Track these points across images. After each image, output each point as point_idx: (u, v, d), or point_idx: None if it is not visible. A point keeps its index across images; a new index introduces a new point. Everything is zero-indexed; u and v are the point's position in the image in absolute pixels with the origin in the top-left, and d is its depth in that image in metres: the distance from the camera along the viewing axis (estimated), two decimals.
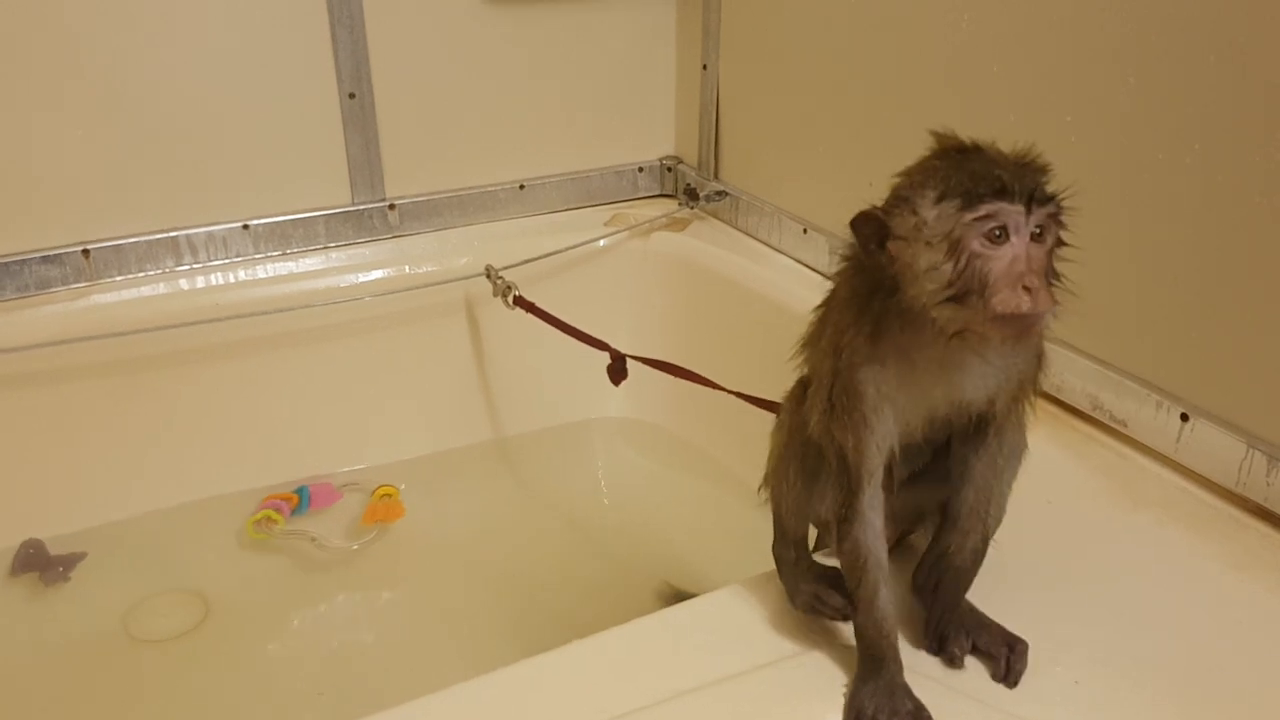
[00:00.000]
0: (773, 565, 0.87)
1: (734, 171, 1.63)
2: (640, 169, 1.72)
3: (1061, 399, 1.10)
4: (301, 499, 1.46)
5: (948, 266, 0.66)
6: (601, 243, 1.61)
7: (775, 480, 0.84)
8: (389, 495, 1.48)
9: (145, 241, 1.41)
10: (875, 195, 1.31)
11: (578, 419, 1.66)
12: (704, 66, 1.60)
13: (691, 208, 1.67)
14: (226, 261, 1.45)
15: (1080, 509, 0.97)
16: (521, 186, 1.63)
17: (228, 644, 1.29)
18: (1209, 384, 0.97)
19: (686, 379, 1.19)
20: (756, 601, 0.85)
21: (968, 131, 1.06)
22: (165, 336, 1.38)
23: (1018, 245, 0.66)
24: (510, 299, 1.41)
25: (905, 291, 0.69)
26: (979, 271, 0.66)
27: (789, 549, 0.85)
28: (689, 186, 1.68)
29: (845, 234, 1.39)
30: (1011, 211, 0.66)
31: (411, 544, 1.46)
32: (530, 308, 1.39)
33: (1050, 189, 0.68)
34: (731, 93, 1.59)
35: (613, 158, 1.70)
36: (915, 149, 1.22)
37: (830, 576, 0.82)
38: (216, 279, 1.44)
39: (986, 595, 0.82)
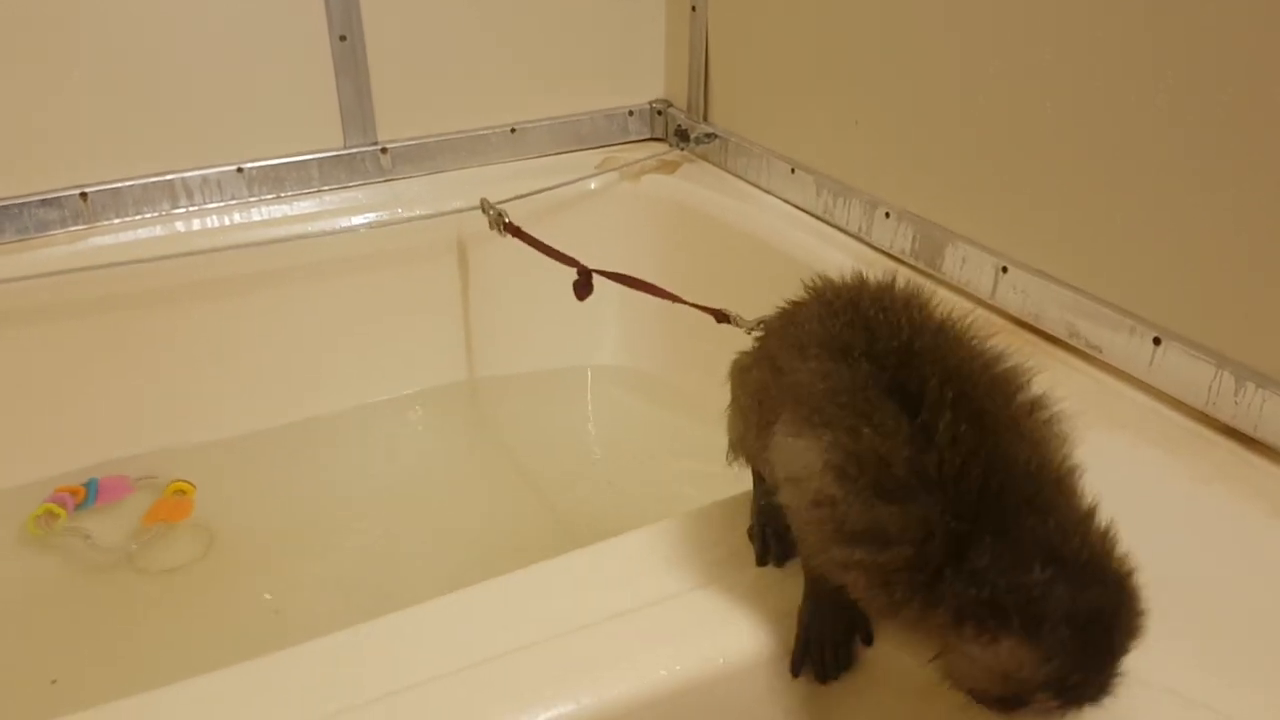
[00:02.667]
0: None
1: (723, 113, 1.65)
2: (631, 112, 1.73)
3: (1040, 327, 1.13)
4: (89, 492, 1.42)
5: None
6: (592, 184, 1.62)
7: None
8: (182, 492, 1.43)
9: (141, 185, 1.43)
10: (862, 134, 1.35)
11: (570, 365, 1.69)
12: (693, 8, 1.61)
13: (682, 149, 1.69)
14: (222, 204, 1.47)
15: None
16: (513, 130, 1.64)
17: None
18: (1179, 308, 1.00)
19: (647, 291, 1.22)
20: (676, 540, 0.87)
21: (974, 65, 1.09)
22: (160, 278, 1.40)
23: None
24: (503, 226, 1.43)
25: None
26: None
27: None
28: (679, 128, 1.69)
29: (833, 172, 1.43)
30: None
31: (394, 482, 1.49)
32: (519, 233, 1.41)
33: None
34: (720, 35, 1.60)
35: (603, 101, 1.71)
36: (901, 87, 1.25)
37: None
38: (212, 221, 1.46)
39: None
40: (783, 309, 0.82)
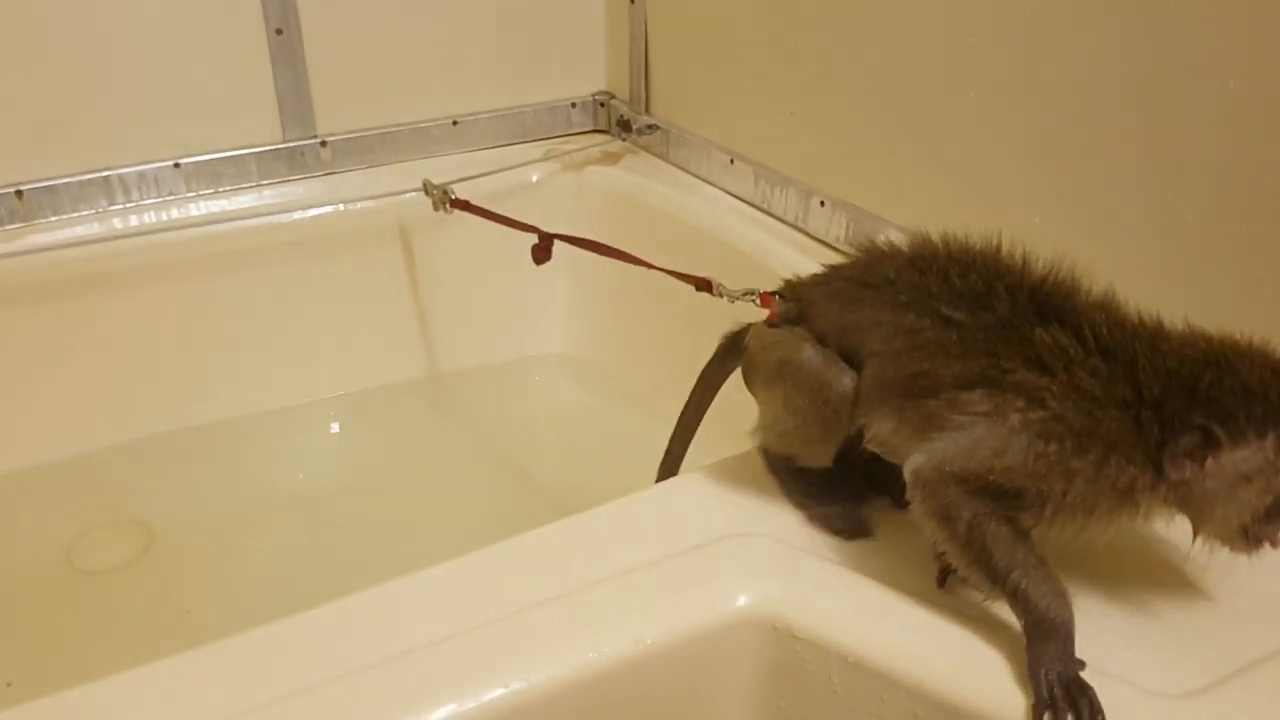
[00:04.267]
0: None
1: (664, 105, 1.66)
2: (573, 104, 1.74)
3: None
4: None
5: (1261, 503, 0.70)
6: (534, 176, 1.63)
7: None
8: None
9: (78, 181, 1.42)
10: (797, 124, 1.36)
11: (517, 355, 1.70)
12: (631, 0, 1.62)
13: (624, 140, 1.70)
14: (159, 200, 1.46)
15: None
16: (455, 123, 1.64)
17: None
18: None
19: (616, 257, 1.20)
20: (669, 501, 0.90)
21: (903, 56, 1.11)
22: (100, 273, 1.39)
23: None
24: (448, 204, 1.43)
25: (1195, 512, 0.72)
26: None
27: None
28: (621, 120, 1.70)
29: (770, 162, 1.44)
30: None
31: (341, 479, 1.49)
32: (467, 206, 1.41)
33: None
34: (659, 26, 1.61)
35: (546, 93, 1.71)
36: (834, 79, 1.27)
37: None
38: (149, 218, 1.45)
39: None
40: (829, 273, 0.87)
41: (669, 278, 1.09)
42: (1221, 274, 0.93)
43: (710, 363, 1.00)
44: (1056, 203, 1.05)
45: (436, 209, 1.45)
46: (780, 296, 0.90)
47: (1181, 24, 0.91)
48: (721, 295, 1.02)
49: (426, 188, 1.46)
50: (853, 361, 0.81)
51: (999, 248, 0.78)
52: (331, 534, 1.40)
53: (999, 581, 0.71)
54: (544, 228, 1.30)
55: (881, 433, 0.79)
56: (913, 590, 0.79)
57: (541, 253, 1.30)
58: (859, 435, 0.81)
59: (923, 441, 0.75)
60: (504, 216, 1.36)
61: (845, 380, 0.81)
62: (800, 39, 1.34)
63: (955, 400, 0.74)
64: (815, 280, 0.88)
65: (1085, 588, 0.80)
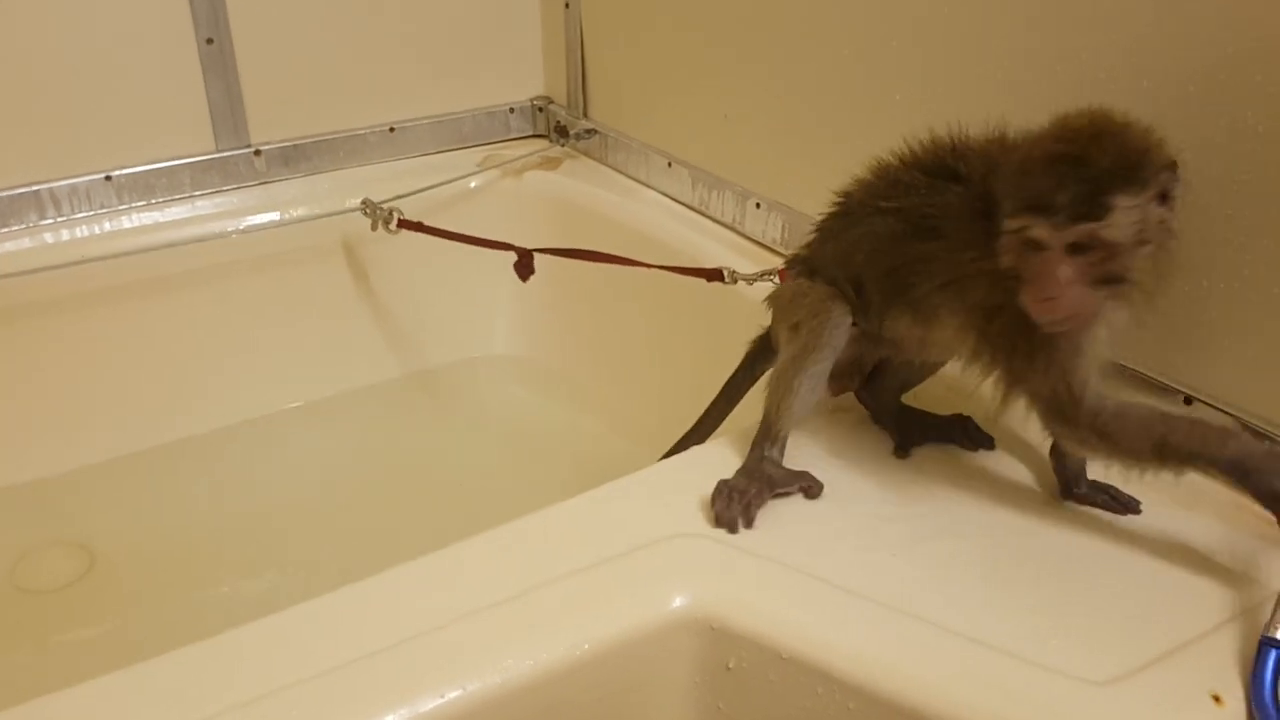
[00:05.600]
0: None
1: (602, 109, 1.67)
2: (511, 109, 1.74)
3: None
4: None
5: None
6: (472, 183, 1.63)
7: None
8: None
9: (6, 196, 1.40)
10: (733, 127, 1.38)
11: (463, 357, 1.69)
12: (566, 4, 1.62)
13: (563, 145, 1.70)
14: (91, 214, 1.44)
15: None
16: (392, 129, 1.64)
17: None
18: None
19: (604, 261, 1.21)
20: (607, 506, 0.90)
21: (831, 60, 1.12)
22: (34, 290, 1.37)
23: (1049, 259, 0.74)
24: (394, 224, 1.43)
25: None
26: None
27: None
28: (559, 125, 1.71)
29: (707, 165, 1.45)
30: (1042, 226, 0.73)
31: (291, 490, 1.48)
32: (418, 227, 1.41)
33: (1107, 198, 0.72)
34: (594, 31, 1.62)
35: (483, 99, 1.71)
36: (767, 83, 1.29)
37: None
38: (81, 232, 1.43)
39: (825, 480, 0.90)
40: (818, 225, 0.97)
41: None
42: None
43: (739, 369, 1.04)
44: None
45: (375, 229, 1.44)
46: (790, 264, 0.99)
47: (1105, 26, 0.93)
48: (735, 282, 1.04)
49: (366, 208, 1.46)
50: (860, 286, 0.91)
51: (937, 139, 0.87)
52: (281, 546, 1.39)
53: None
54: (515, 239, 1.31)
55: (899, 329, 0.90)
56: (847, 585, 0.80)
57: (524, 269, 1.30)
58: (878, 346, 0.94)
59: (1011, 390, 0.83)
60: (469, 236, 1.36)
61: (841, 305, 0.91)
62: (735, 43, 1.35)
63: (928, 280, 0.85)
64: (810, 237, 0.98)
65: (1013, 573, 0.82)
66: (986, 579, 0.82)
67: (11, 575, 1.33)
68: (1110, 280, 0.75)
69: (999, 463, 0.96)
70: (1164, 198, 0.75)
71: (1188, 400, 0.96)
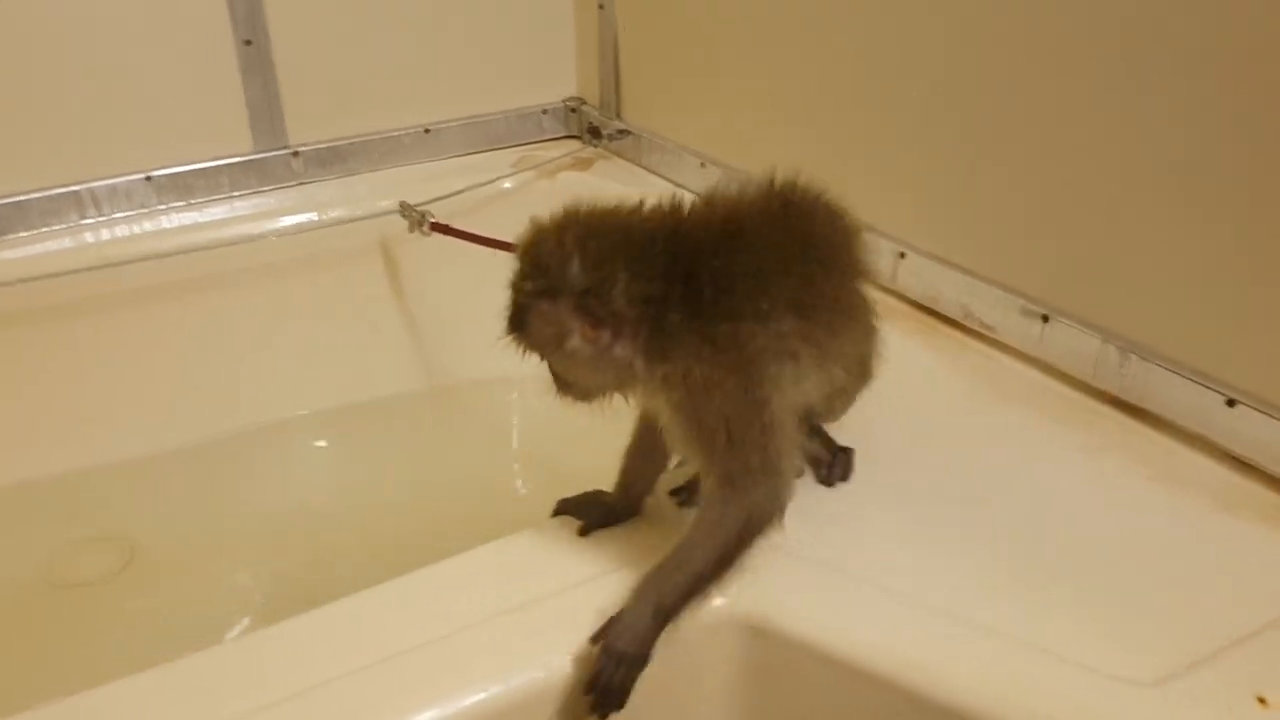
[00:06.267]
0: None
1: (635, 110, 1.67)
2: (544, 110, 1.74)
3: (936, 309, 1.17)
4: None
5: None
6: (506, 184, 1.63)
7: None
8: None
9: (48, 196, 1.41)
10: (767, 127, 1.38)
11: (500, 372, 1.69)
12: (600, 5, 1.63)
13: (595, 146, 1.71)
14: (131, 214, 1.46)
15: (951, 406, 1.04)
16: (427, 131, 1.64)
17: None
18: (1065, 286, 1.04)
19: None
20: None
21: (865, 62, 1.12)
22: (70, 290, 1.38)
23: None
24: (426, 227, 1.43)
25: None
26: None
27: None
28: (592, 126, 1.71)
29: (741, 165, 1.45)
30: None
31: (324, 495, 1.49)
32: (448, 230, 1.41)
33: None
34: (629, 32, 1.62)
35: (516, 100, 1.72)
36: (801, 82, 1.29)
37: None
38: (121, 231, 1.45)
39: (866, 482, 0.91)
40: None
41: None
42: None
43: None
44: (1025, 203, 1.07)
45: (412, 230, 1.45)
46: None
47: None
48: None
49: (404, 210, 1.47)
50: None
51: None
52: (312, 550, 1.40)
53: None
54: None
55: None
56: (889, 586, 0.80)
57: None
58: None
59: None
60: (493, 240, 1.36)
61: None
62: (771, 42, 1.35)
63: None
64: None
65: (1057, 574, 0.82)
66: (1030, 580, 0.82)
67: (50, 569, 1.35)
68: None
69: (1040, 465, 0.96)
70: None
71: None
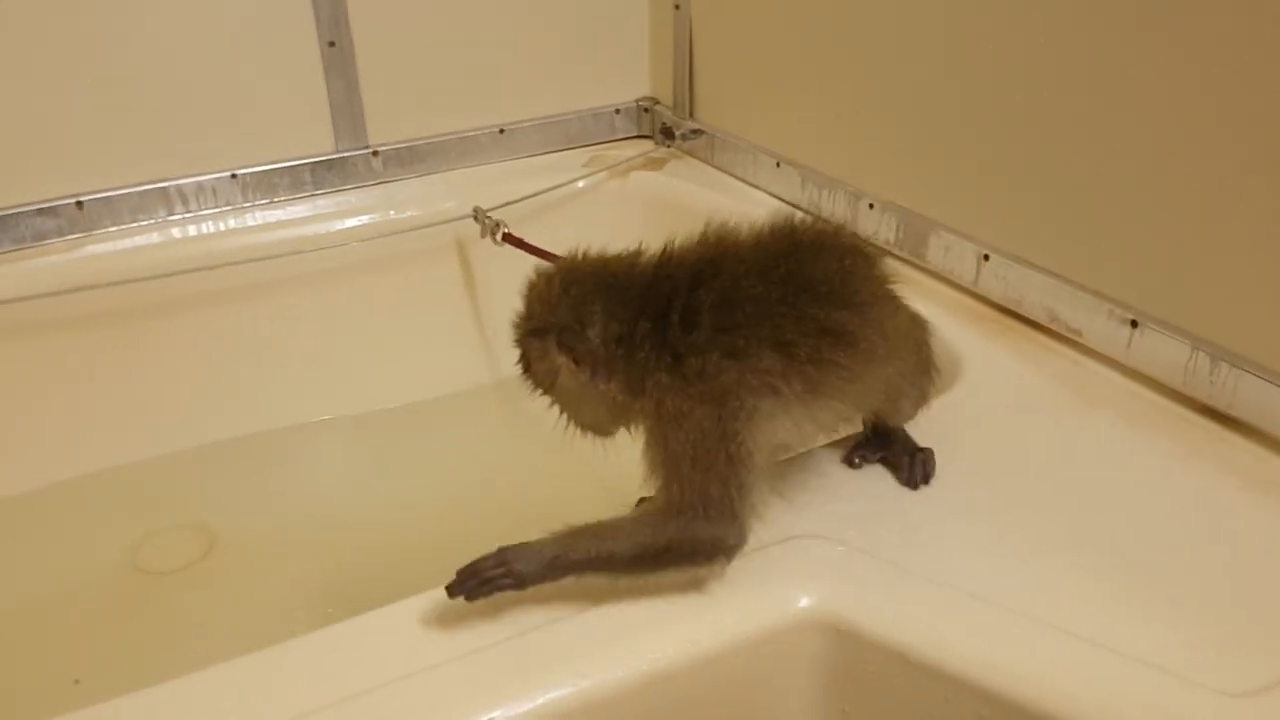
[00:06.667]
0: None
1: (709, 110, 1.67)
2: (617, 110, 1.75)
3: (1020, 312, 1.16)
4: None
5: None
6: (581, 184, 1.65)
7: None
8: None
9: (136, 192, 1.45)
10: (844, 126, 1.37)
11: None
12: (676, 6, 1.63)
13: (668, 146, 1.71)
14: (216, 210, 1.49)
15: (1036, 410, 1.03)
16: (501, 131, 1.66)
17: None
18: (1155, 290, 1.02)
19: None
20: None
21: (947, 61, 1.11)
22: (159, 285, 1.42)
23: None
24: (499, 236, 1.45)
25: None
26: None
27: None
28: (665, 126, 1.72)
29: (818, 165, 1.45)
30: None
31: (400, 489, 1.51)
32: (519, 243, 1.43)
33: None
34: (704, 32, 1.63)
35: (590, 100, 1.73)
36: (882, 80, 1.28)
37: None
38: (207, 227, 1.48)
39: (949, 486, 0.90)
40: None
41: None
42: None
43: None
44: (1115, 206, 1.05)
45: (484, 236, 1.47)
46: None
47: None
48: None
49: (478, 215, 1.49)
50: None
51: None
52: (385, 541, 1.42)
53: None
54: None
55: None
56: (978, 592, 0.79)
57: None
58: None
59: None
60: (559, 257, 1.36)
61: None
62: (847, 40, 1.34)
63: None
64: None
65: (1147, 582, 0.81)
66: (1120, 587, 0.80)
67: (134, 556, 1.38)
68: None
69: (1127, 472, 0.94)
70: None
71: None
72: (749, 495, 0.77)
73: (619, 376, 0.79)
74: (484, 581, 0.76)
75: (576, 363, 0.79)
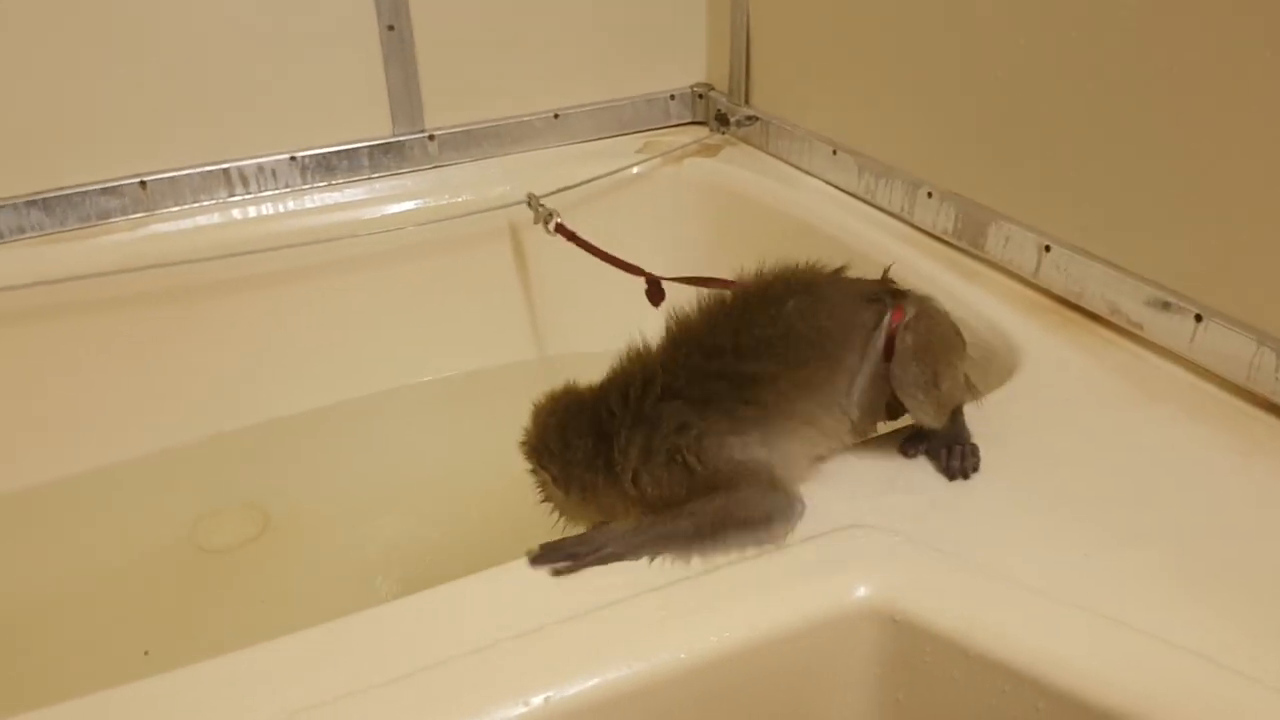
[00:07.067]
0: None
1: (764, 96, 1.66)
2: (672, 96, 1.75)
3: (1081, 305, 1.14)
4: None
5: None
6: (635, 170, 1.65)
7: None
8: None
9: (199, 173, 1.47)
10: (903, 114, 1.36)
11: (618, 346, 1.71)
12: None
13: (723, 133, 1.71)
14: (276, 192, 1.51)
15: (1096, 403, 1.01)
16: (556, 116, 1.67)
17: None
18: (1221, 286, 1.00)
19: (719, 287, 1.21)
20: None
21: (1007, 50, 1.10)
22: (219, 265, 1.44)
23: None
24: (552, 226, 1.46)
25: None
26: None
27: None
28: (720, 113, 1.71)
29: (875, 153, 1.43)
30: None
31: (452, 463, 1.52)
32: (570, 236, 1.44)
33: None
34: (761, 17, 1.62)
35: (645, 86, 1.73)
36: (942, 68, 1.27)
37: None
38: (267, 209, 1.50)
39: (1008, 478, 0.89)
40: None
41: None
42: None
43: None
44: (1180, 199, 1.03)
45: (536, 222, 1.48)
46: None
47: None
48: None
49: (531, 202, 1.49)
50: None
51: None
52: (443, 517, 1.44)
53: None
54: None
55: None
56: (1038, 584, 0.79)
57: (655, 295, 1.28)
58: None
59: None
60: (606, 253, 1.37)
61: None
62: (905, 27, 1.33)
63: None
64: None
65: (1208, 578, 0.80)
66: (1182, 583, 0.79)
67: (192, 534, 1.41)
68: None
69: (1188, 466, 0.93)
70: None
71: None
72: (771, 470, 0.84)
73: (588, 493, 0.88)
74: (569, 556, 0.82)
75: (554, 483, 0.89)
